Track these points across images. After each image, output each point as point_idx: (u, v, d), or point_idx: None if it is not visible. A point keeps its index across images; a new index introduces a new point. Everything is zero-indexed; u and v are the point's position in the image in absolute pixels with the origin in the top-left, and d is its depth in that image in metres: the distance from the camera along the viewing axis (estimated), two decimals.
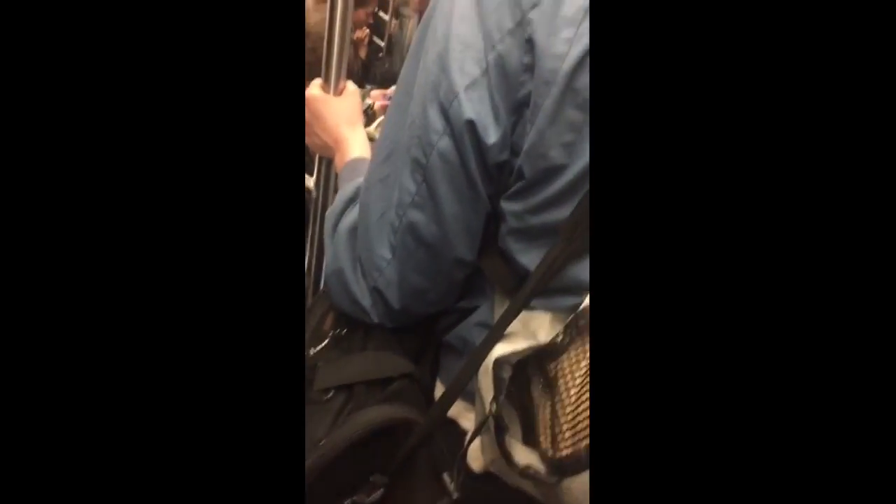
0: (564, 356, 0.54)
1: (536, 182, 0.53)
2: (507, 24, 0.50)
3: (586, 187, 0.52)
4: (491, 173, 0.55)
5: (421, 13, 2.64)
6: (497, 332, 0.57)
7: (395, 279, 0.60)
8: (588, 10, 0.49)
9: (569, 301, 0.56)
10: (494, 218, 0.58)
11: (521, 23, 0.50)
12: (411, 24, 3.14)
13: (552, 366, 0.54)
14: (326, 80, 0.94)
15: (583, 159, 0.51)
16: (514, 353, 0.56)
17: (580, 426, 0.51)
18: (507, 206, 0.56)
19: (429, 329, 0.68)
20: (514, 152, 0.54)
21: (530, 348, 0.56)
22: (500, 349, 0.57)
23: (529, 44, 0.50)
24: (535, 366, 0.56)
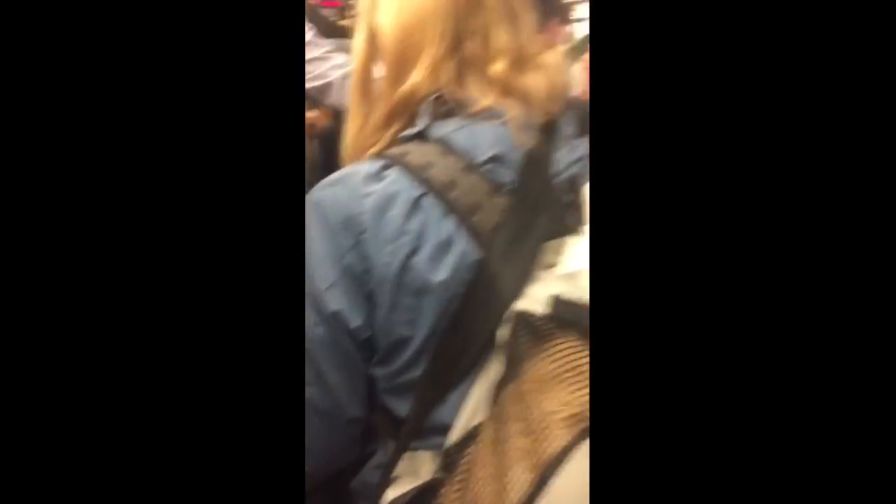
0: (442, 490, 0.64)
1: (391, 352, 0.67)
2: (347, 244, 0.66)
3: (431, 351, 0.65)
4: (360, 347, 0.68)
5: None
6: (386, 478, 0.68)
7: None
8: (403, 230, 0.64)
9: (440, 440, 0.67)
10: (373, 379, 0.70)
11: (356, 244, 0.66)
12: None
13: (435, 502, 0.65)
14: None
15: (423, 330, 0.65)
16: (401, 496, 0.66)
17: None
18: (376, 371, 0.68)
19: (338, 478, 0.77)
20: (373, 331, 0.67)
21: (414, 488, 0.66)
22: (391, 494, 0.67)
23: (365, 256, 0.66)
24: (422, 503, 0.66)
